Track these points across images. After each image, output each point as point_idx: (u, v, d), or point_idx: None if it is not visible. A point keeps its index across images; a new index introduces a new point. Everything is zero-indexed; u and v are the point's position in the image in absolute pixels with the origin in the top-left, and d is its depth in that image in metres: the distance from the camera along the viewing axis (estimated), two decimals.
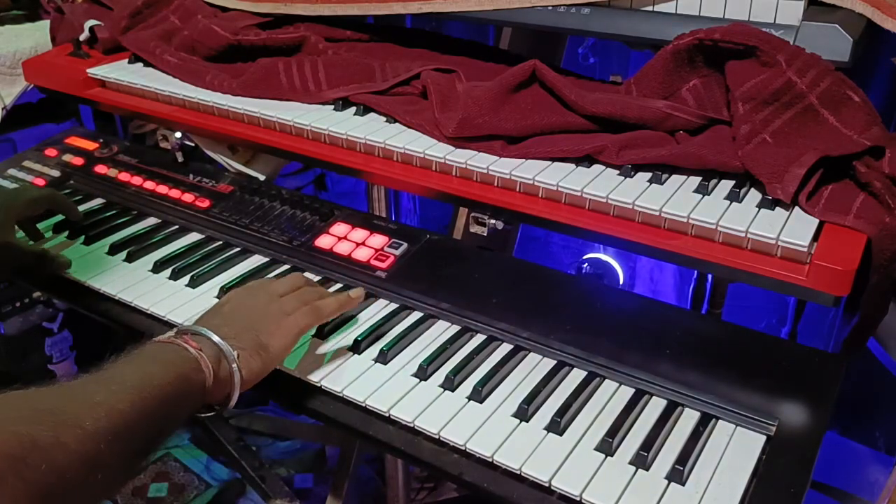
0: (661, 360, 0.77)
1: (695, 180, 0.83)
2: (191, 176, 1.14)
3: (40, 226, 1.06)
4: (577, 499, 0.65)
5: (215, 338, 0.72)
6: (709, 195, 0.80)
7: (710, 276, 1.09)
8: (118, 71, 1.19)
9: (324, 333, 0.85)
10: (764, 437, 0.70)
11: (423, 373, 0.78)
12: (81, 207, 1.12)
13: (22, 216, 1.01)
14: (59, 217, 1.08)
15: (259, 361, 0.74)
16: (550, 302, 0.85)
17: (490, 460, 0.69)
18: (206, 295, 0.92)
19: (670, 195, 0.80)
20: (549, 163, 0.88)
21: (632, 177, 0.85)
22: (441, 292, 0.87)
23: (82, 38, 1.25)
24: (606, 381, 0.78)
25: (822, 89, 0.79)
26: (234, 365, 0.71)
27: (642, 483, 0.66)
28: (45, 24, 1.38)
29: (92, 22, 1.25)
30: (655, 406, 0.74)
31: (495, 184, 0.89)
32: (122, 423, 0.59)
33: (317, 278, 0.94)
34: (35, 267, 0.98)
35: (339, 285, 0.93)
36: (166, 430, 0.67)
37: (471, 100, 0.90)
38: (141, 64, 1.20)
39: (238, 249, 1.01)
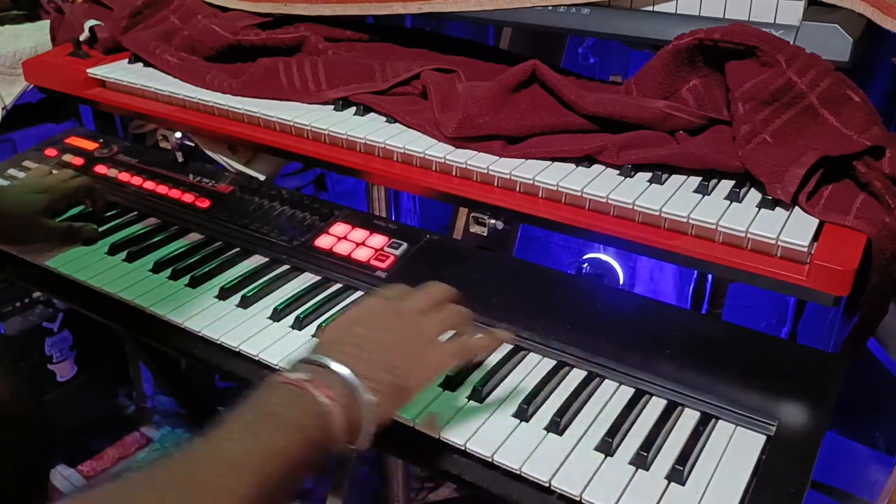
0: (661, 360, 0.77)
1: (695, 180, 0.83)
2: (191, 176, 1.14)
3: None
4: (577, 499, 0.65)
5: (353, 379, 0.61)
6: (709, 195, 0.80)
7: (710, 276, 1.09)
8: (118, 71, 1.19)
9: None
10: (764, 437, 0.70)
11: None
12: (81, 207, 1.12)
13: (57, 206, 1.05)
14: (60, 217, 1.08)
15: (393, 409, 0.64)
16: (550, 302, 0.85)
17: (490, 460, 0.69)
18: (207, 294, 0.92)
19: (670, 195, 0.80)
20: (549, 163, 0.88)
21: (632, 177, 0.85)
22: None
23: (82, 38, 1.25)
24: (606, 381, 0.78)
25: (822, 89, 0.79)
26: (369, 414, 0.61)
27: (642, 483, 0.66)
28: (45, 24, 1.38)
29: (92, 22, 1.25)
30: (655, 406, 0.74)
31: (495, 184, 0.89)
32: None
33: (317, 278, 0.94)
34: (64, 240, 1.03)
35: (338, 285, 0.93)
36: (287, 497, 0.58)
37: (471, 100, 0.90)
38: (141, 64, 1.20)
39: (238, 249, 1.01)
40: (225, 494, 0.52)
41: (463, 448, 0.70)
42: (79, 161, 1.22)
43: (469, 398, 0.75)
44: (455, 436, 0.71)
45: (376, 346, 0.65)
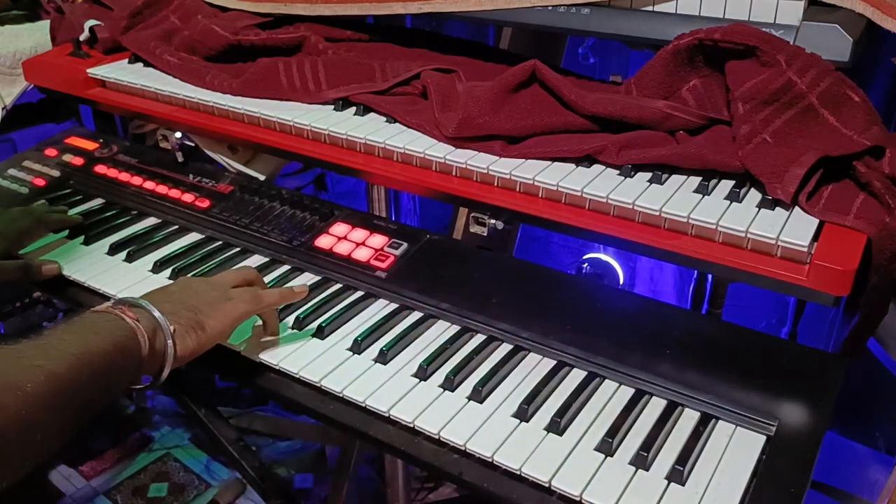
0: (661, 360, 0.77)
1: (695, 180, 0.83)
2: (191, 176, 1.14)
3: None
4: (577, 499, 0.65)
5: (153, 310, 0.74)
6: (709, 195, 0.80)
7: (710, 276, 1.09)
8: (118, 71, 1.19)
9: (324, 333, 0.85)
10: (764, 437, 0.70)
11: (423, 373, 0.78)
12: (81, 207, 1.12)
13: (11, 251, 1.00)
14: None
15: (194, 339, 0.76)
16: (550, 302, 0.85)
17: (490, 460, 0.69)
18: None
19: (670, 195, 0.80)
20: (549, 163, 0.88)
21: (632, 177, 0.85)
22: (441, 292, 0.87)
23: (82, 38, 1.25)
24: (606, 381, 0.78)
25: (822, 89, 0.79)
26: (169, 339, 0.73)
27: (642, 483, 0.66)
28: (45, 24, 1.38)
29: (92, 22, 1.25)
30: (655, 406, 0.74)
31: (495, 184, 0.89)
32: (60, 388, 0.61)
33: (317, 278, 0.94)
34: (22, 279, 0.98)
35: (338, 285, 0.93)
36: (104, 398, 0.68)
37: (471, 100, 0.90)
38: (141, 64, 1.20)
39: (238, 249, 1.01)
40: (46, 372, 0.60)
41: (463, 448, 0.70)
42: (79, 161, 1.22)
43: (469, 398, 0.76)
44: (455, 436, 0.71)
45: (182, 295, 0.79)
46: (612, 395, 0.76)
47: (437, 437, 0.72)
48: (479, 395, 0.75)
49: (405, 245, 0.94)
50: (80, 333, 0.67)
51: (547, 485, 0.66)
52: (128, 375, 0.71)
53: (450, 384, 0.77)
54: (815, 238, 0.74)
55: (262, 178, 1.14)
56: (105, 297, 0.94)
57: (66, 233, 1.06)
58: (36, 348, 0.63)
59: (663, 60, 0.89)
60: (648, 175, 0.84)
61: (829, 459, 0.74)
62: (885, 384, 1.03)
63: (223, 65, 1.15)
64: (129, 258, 1.00)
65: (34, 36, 1.37)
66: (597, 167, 0.87)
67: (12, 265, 0.97)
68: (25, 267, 0.97)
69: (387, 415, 0.74)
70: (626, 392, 0.76)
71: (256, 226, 1.02)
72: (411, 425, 0.73)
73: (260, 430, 1.91)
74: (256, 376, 0.82)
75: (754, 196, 0.80)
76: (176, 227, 1.07)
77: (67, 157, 1.23)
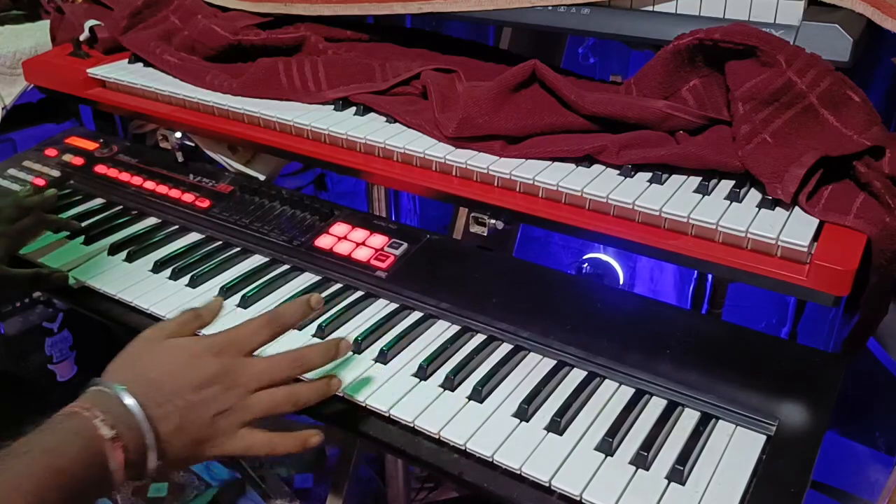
0: (661, 360, 0.77)
1: (695, 180, 0.83)
2: (191, 176, 1.14)
3: None
4: (577, 499, 0.65)
5: (142, 422, 0.64)
6: (709, 195, 0.80)
7: (710, 276, 1.09)
8: (118, 71, 1.19)
9: (324, 333, 0.85)
10: (764, 437, 0.70)
11: (423, 373, 0.78)
12: (81, 207, 1.12)
13: (14, 251, 0.99)
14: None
15: (185, 453, 0.67)
16: (550, 302, 0.85)
17: (490, 460, 0.69)
18: (206, 295, 0.92)
19: (670, 195, 0.80)
20: (549, 163, 0.88)
21: (632, 177, 0.85)
22: (441, 292, 0.87)
23: (82, 38, 1.25)
24: (606, 381, 0.78)
25: (822, 89, 0.79)
26: (153, 453, 0.64)
27: (642, 483, 0.66)
28: (45, 24, 1.38)
29: (92, 22, 1.25)
30: (655, 406, 0.74)
31: (495, 184, 0.89)
32: None
33: (317, 278, 0.94)
34: (31, 288, 0.96)
35: (338, 285, 0.93)
36: None
37: (471, 100, 0.90)
38: (141, 64, 1.20)
39: (238, 249, 1.01)
40: None
41: (463, 448, 0.70)
42: (79, 161, 1.22)
43: (469, 398, 0.76)
44: (455, 436, 0.71)
45: (179, 389, 0.67)
46: (612, 395, 0.76)
47: (437, 436, 0.72)
48: (479, 394, 0.75)
49: (405, 245, 0.94)
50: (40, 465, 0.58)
51: (547, 484, 0.66)
52: (102, 490, 0.62)
53: (450, 384, 0.77)
54: (815, 238, 0.74)
55: (262, 178, 1.14)
56: (105, 297, 0.94)
57: (65, 233, 1.06)
58: None
59: (663, 60, 0.89)
60: (648, 175, 0.84)
61: (829, 459, 0.74)
62: (885, 384, 1.03)
63: (223, 65, 1.14)
64: (129, 258, 1.00)
65: (34, 36, 1.37)
66: (597, 167, 0.87)
67: (24, 276, 0.96)
68: (35, 277, 0.97)
69: (387, 415, 0.74)
70: (626, 392, 0.76)
71: (256, 226, 1.02)
72: (411, 425, 0.73)
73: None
74: None
75: (754, 196, 0.80)
76: (176, 227, 1.07)
77: (67, 157, 1.23)
